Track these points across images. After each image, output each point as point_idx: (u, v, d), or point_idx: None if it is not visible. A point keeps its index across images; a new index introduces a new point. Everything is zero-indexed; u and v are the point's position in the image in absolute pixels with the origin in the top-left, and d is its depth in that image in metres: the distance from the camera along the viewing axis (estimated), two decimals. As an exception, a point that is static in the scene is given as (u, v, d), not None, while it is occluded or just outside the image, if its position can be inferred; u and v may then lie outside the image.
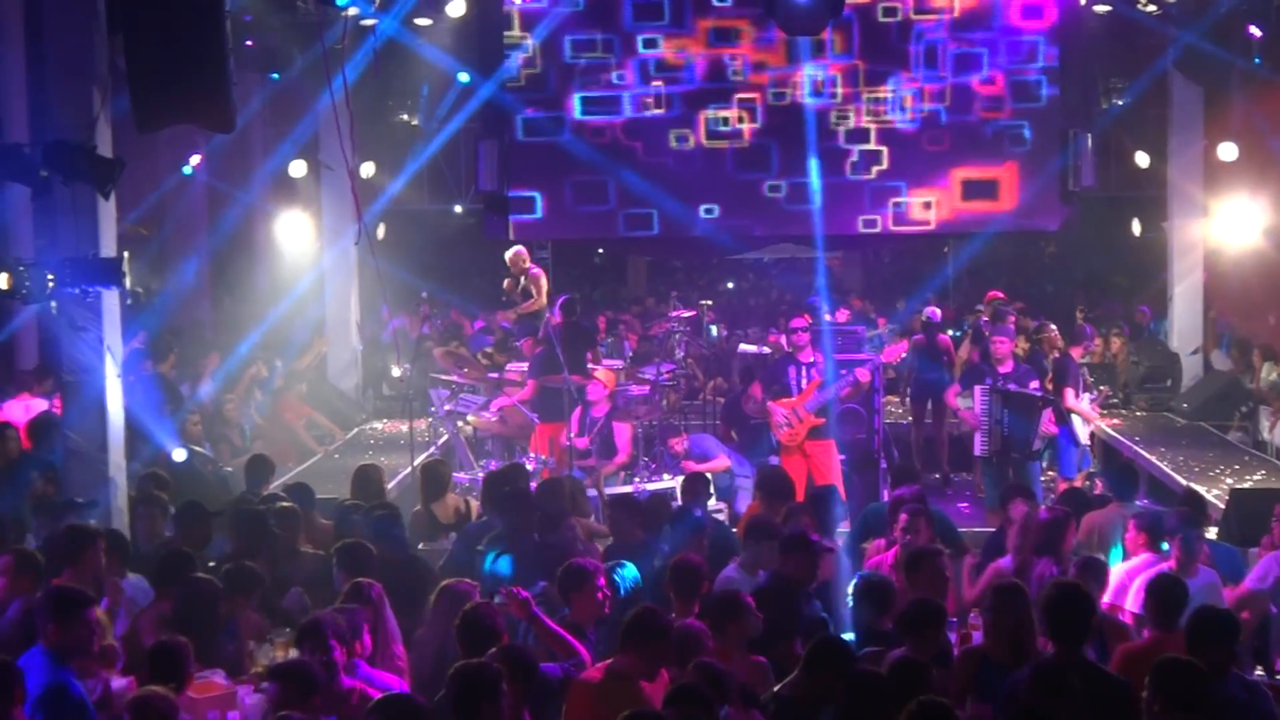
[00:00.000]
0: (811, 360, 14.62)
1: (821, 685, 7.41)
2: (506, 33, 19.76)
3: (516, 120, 19.84)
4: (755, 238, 21.57)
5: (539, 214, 19.92)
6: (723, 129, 19.51)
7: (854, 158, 19.34)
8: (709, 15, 19.45)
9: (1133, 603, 9.55)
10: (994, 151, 19.39)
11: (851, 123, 19.35)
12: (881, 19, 19.22)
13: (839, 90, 19.31)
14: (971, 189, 19.41)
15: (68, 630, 7.78)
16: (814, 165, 19.10)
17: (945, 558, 9.73)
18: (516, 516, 10.66)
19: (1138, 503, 12.38)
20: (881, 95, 19.35)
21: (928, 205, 19.35)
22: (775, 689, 7.78)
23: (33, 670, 7.55)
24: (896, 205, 19.34)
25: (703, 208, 19.58)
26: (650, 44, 19.56)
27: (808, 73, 19.31)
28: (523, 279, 19.12)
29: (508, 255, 19.39)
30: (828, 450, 14.48)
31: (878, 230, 19.60)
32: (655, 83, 19.51)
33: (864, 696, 7.07)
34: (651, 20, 19.54)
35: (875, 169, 19.38)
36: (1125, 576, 9.96)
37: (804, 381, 14.51)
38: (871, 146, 19.37)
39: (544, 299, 18.77)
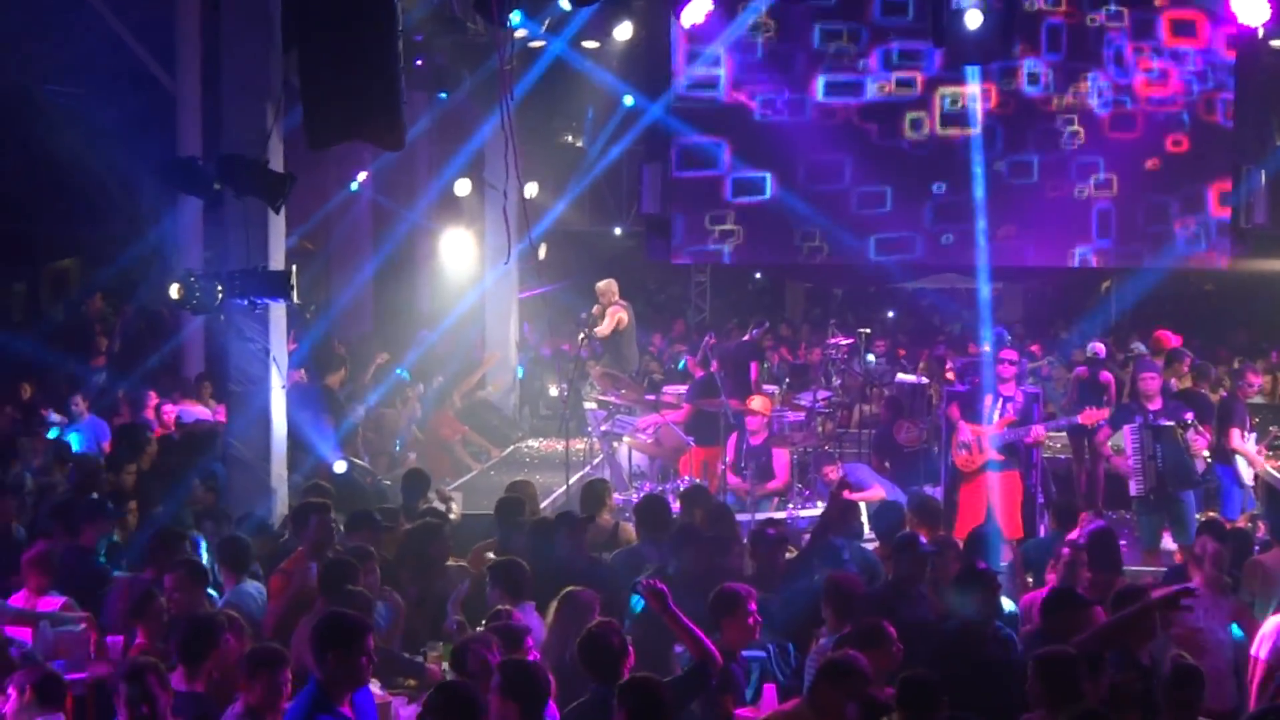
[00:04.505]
0: (1011, 395, 14.40)
1: None
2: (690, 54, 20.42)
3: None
4: (917, 265, 21.88)
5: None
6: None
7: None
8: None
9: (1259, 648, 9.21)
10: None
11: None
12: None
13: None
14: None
15: (344, 661, 7.23)
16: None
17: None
18: (689, 551, 10.44)
19: (1300, 547, 12.01)
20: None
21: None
22: None
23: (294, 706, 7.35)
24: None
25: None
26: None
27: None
28: (607, 311, 19.12)
29: (600, 285, 19.46)
30: (1010, 483, 14.26)
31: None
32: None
33: None
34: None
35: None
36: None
37: (997, 414, 14.31)
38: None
39: (607, 333, 18.90)
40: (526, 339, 23.69)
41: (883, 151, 20.67)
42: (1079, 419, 14.93)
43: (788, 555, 11.05)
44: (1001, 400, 14.35)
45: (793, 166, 20.78)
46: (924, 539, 10.39)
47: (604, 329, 18.70)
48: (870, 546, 12.11)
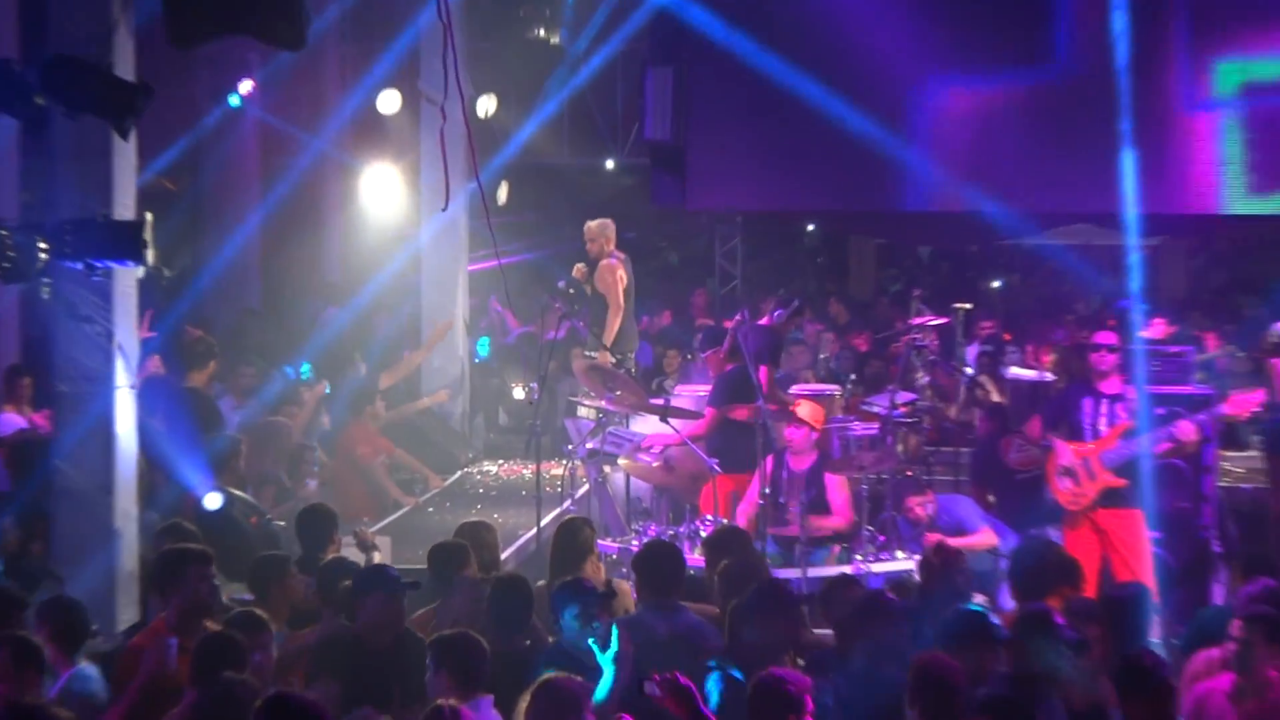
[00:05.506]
0: (1119, 394, 14.19)
1: None
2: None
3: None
4: (1041, 216, 21.59)
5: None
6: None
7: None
8: None
9: None
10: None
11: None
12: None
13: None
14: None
15: None
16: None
17: None
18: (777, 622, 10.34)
19: None
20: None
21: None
22: None
23: None
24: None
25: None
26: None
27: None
28: (600, 265, 18.64)
29: (590, 225, 18.82)
30: (1131, 523, 14.07)
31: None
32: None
33: None
34: None
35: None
36: None
37: (1103, 423, 14.13)
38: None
39: (619, 310, 18.51)
40: (490, 317, 23.68)
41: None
42: (1224, 408, 14.72)
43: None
44: (1106, 402, 14.18)
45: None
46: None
47: (615, 315, 18.31)
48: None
